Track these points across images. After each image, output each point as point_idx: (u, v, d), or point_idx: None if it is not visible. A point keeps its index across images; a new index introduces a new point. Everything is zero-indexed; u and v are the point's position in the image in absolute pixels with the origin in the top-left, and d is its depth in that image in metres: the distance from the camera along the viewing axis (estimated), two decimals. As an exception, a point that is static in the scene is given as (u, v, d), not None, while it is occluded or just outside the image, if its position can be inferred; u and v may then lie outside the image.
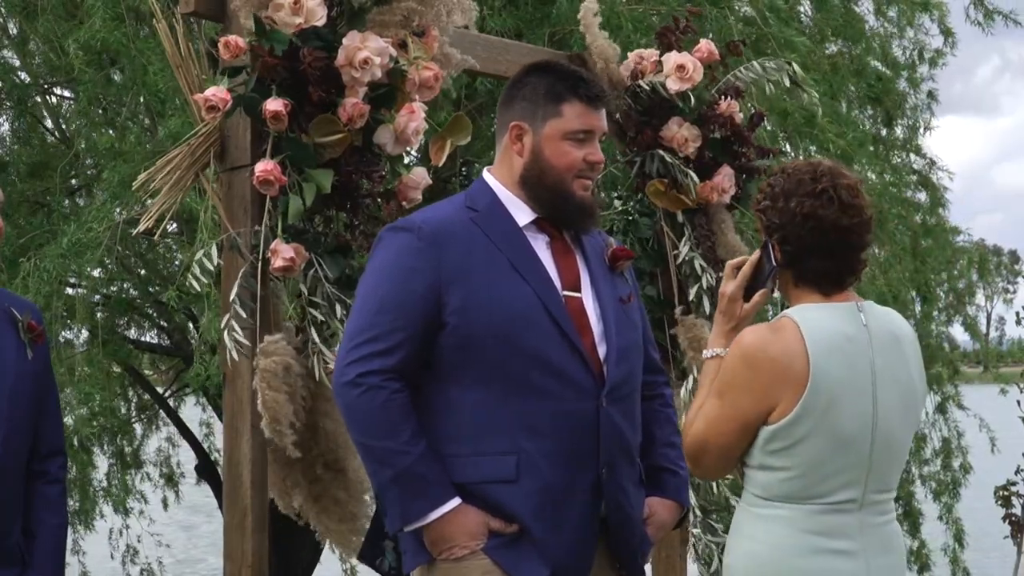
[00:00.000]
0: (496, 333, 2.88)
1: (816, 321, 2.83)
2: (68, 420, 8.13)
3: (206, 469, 10.36)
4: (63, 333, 7.49)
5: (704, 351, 2.98)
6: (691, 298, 4.35)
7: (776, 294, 3.02)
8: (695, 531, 4.27)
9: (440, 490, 2.86)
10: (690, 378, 4.27)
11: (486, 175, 3.11)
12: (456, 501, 2.87)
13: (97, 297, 8.24)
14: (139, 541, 10.39)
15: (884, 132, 9.03)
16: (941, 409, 9.46)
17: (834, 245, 2.87)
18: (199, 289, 3.59)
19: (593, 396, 2.95)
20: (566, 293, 2.99)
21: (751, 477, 2.89)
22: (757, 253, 2.93)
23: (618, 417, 2.99)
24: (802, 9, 8.12)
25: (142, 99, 6.49)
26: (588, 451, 2.94)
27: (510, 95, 3.09)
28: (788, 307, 2.93)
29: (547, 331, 2.92)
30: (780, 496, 2.84)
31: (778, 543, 2.84)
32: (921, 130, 8.95)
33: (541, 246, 3.03)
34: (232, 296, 3.41)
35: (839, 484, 2.83)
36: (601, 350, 3.00)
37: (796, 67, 4.52)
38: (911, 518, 8.93)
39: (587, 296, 3.04)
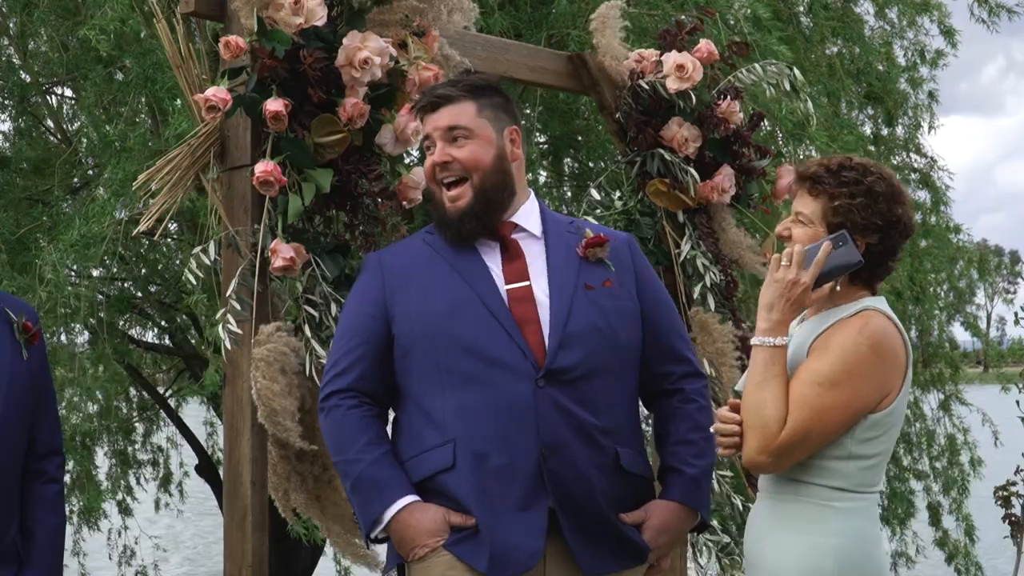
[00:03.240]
0: (429, 331, 2.98)
1: (893, 314, 2.94)
2: (73, 419, 8.15)
3: (206, 469, 10.36)
4: (64, 332, 7.49)
5: (757, 338, 2.90)
6: (696, 296, 4.35)
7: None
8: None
9: (392, 491, 2.93)
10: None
11: None
12: (407, 499, 2.91)
13: (99, 296, 8.24)
14: (136, 543, 10.39)
15: (885, 132, 9.02)
16: (944, 407, 9.46)
17: (900, 250, 3.03)
18: (194, 283, 3.60)
19: (528, 379, 2.93)
20: (511, 285, 3.02)
21: (830, 469, 2.87)
22: (827, 244, 2.90)
23: (565, 399, 2.94)
24: (800, 10, 8.11)
25: (143, 99, 6.48)
26: (526, 433, 2.91)
27: None
28: (826, 302, 2.98)
29: (479, 320, 2.96)
30: (858, 486, 2.87)
31: (860, 535, 2.88)
32: (925, 129, 8.95)
33: (489, 250, 3.07)
34: (230, 291, 3.41)
35: (883, 473, 2.96)
36: (546, 334, 2.98)
37: (797, 72, 4.51)
38: (903, 514, 8.98)
39: (538, 284, 3.04)
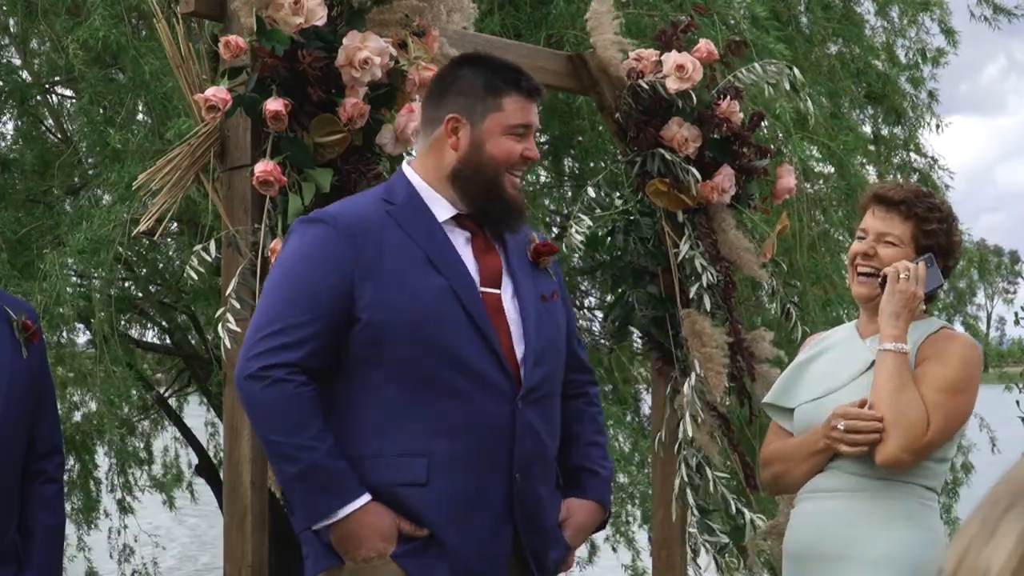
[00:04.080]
0: (408, 329, 2.79)
1: None
2: (76, 417, 8.16)
3: (206, 469, 10.37)
4: (66, 333, 7.50)
5: (891, 344, 3.09)
6: (692, 296, 4.34)
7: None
8: (692, 530, 4.26)
9: (349, 486, 2.75)
10: (692, 375, 4.25)
11: (405, 168, 3.02)
12: (366, 498, 2.76)
13: (98, 296, 8.25)
14: (136, 540, 10.40)
15: (885, 132, 9.02)
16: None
17: None
18: (195, 279, 3.60)
19: (508, 398, 2.84)
20: (484, 290, 2.89)
21: (929, 469, 3.12)
22: (923, 264, 3.15)
23: (535, 420, 2.88)
24: (800, 9, 8.11)
25: (141, 102, 6.48)
26: (502, 455, 2.83)
27: (441, 88, 3.00)
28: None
29: (461, 328, 2.82)
30: (938, 487, 3.18)
31: (942, 532, 3.18)
32: (932, 128, 8.93)
33: (460, 242, 2.93)
34: (229, 290, 3.41)
35: None
36: (519, 350, 2.89)
37: (796, 71, 4.51)
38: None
39: (506, 293, 2.94)
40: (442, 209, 2.94)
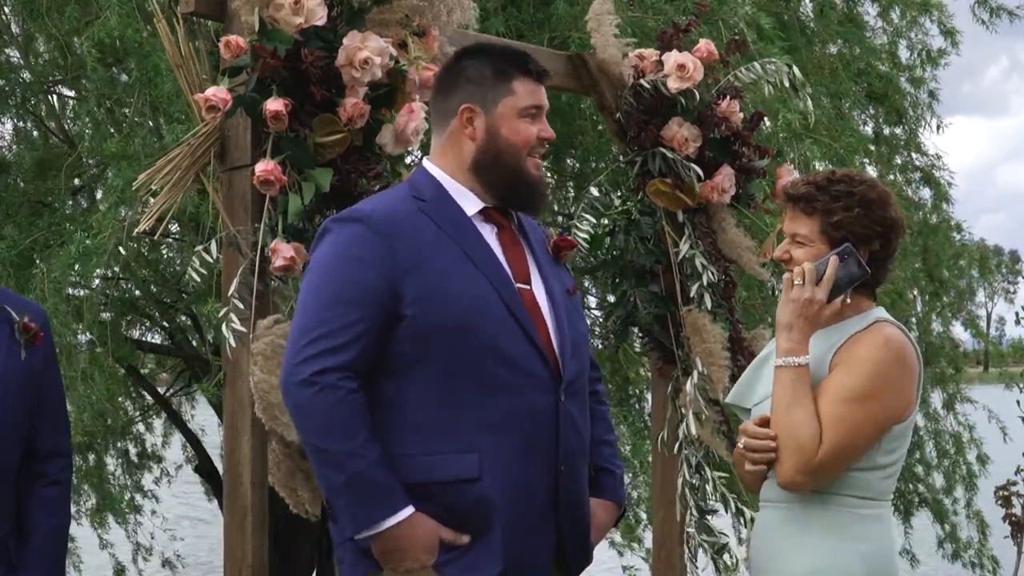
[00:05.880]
0: (454, 326, 2.80)
1: (900, 324, 3.02)
2: (84, 419, 8.16)
3: (206, 469, 10.37)
4: (69, 336, 7.50)
5: (781, 359, 2.92)
6: (692, 295, 4.34)
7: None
8: (690, 530, 4.26)
9: (395, 498, 2.76)
10: (695, 373, 4.24)
11: (427, 164, 3.02)
12: (410, 509, 2.76)
13: (102, 297, 8.25)
14: (152, 538, 10.42)
15: (886, 131, 9.02)
16: (948, 405, 9.44)
17: (897, 250, 3.09)
18: (197, 280, 3.60)
19: (551, 391, 2.87)
20: (519, 286, 2.92)
21: (856, 479, 2.91)
22: (835, 259, 2.94)
23: (575, 412, 2.92)
24: (802, 11, 8.11)
25: (148, 100, 6.47)
26: (548, 448, 2.86)
27: (449, 81, 3.01)
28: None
29: (504, 324, 2.84)
30: (879, 494, 2.95)
31: (883, 540, 2.95)
32: (933, 128, 8.93)
33: (490, 236, 2.95)
34: (231, 291, 3.41)
35: (895, 481, 3.02)
36: (556, 344, 2.92)
37: (796, 70, 4.51)
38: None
39: (538, 289, 2.97)
40: (469, 203, 2.96)
